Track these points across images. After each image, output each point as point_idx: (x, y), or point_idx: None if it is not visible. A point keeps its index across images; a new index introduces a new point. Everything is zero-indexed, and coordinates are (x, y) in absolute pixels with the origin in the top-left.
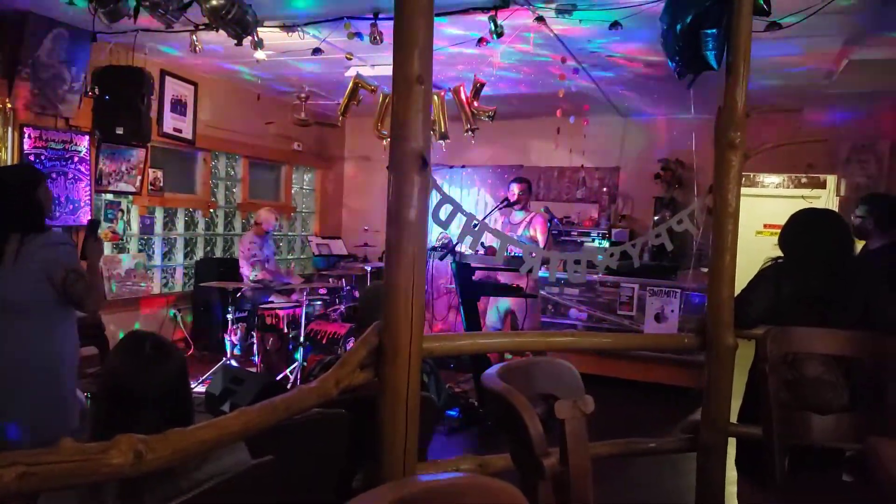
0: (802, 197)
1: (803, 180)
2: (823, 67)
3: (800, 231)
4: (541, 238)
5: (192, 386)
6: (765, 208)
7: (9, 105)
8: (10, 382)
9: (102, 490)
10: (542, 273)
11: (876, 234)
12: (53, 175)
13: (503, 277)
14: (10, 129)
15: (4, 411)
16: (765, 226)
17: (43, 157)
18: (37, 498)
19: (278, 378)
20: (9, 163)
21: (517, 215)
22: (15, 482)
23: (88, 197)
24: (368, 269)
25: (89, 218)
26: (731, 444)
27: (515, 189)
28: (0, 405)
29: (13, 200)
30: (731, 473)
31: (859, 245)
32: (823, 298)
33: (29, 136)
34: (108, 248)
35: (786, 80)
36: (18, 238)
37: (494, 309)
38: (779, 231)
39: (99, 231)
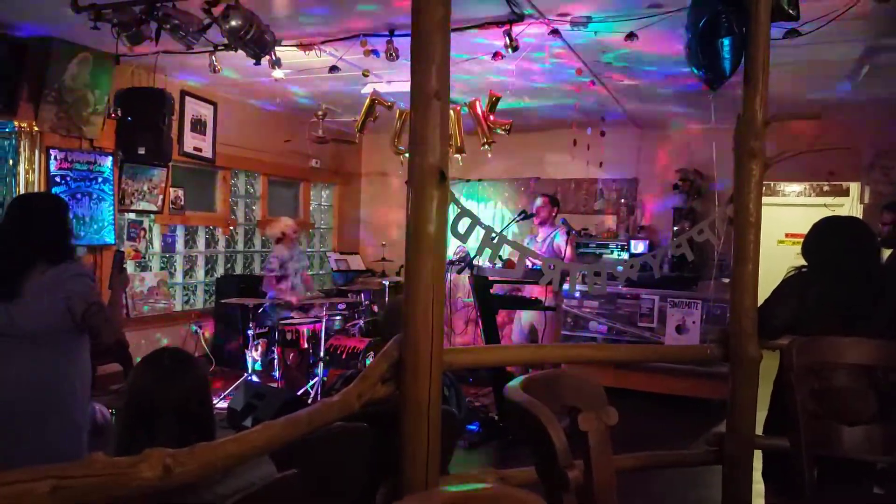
0: (825, 205)
1: (825, 188)
2: (844, 74)
3: (824, 239)
4: (566, 252)
5: (214, 402)
6: (786, 217)
7: (35, 128)
8: (25, 406)
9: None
10: (566, 287)
11: None
12: (78, 195)
13: (525, 290)
14: (36, 151)
15: (20, 436)
16: (787, 235)
17: (68, 178)
18: None
19: (299, 393)
20: (37, 184)
21: (542, 231)
22: (48, 496)
23: (112, 216)
24: (386, 283)
25: (115, 249)
26: (757, 456)
27: (538, 203)
28: (15, 430)
29: (45, 227)
30: (758, 486)
31: (886, 253)
32: (849, 307)
33: (55, 158)
34: (131, 266)
35: (806, 87)
36: (44, 267)
37: (517, 322)
38: (801, 240)
39: (123, 262)
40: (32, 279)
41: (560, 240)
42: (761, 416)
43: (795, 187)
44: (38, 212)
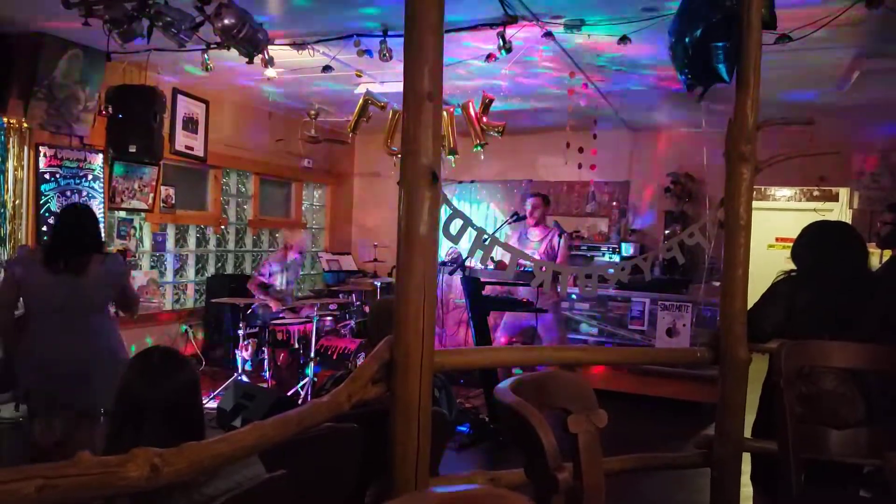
0: (815, 210)
1: (815, 193)
2: (835, 79)
3: (813, 244)
4: (560, 253)
5: (204, 401)
6: (777, 221)
7: (25, 125)
8: (91, 356)
9: (117, 502)
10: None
11: None
12: (68, 193)
13: (518, 292)
14: (25, 148)
15: (87, 377)
16: (777, 239)
17: (58, 176)
18: None
19: (289, 393)
20: (25, 181)
21: (533, 232)
22: (35, 495)
23: (102, 214)
24: (378, 284)
25: (116, 250)
26: (746, 459)
27: (530, 203)
28: (84, 373)
29: (94, 228)
30: (747, 489)
31: (886, 254)
32: (838, 311)
33: (44, 155)
34: None
35: (797, 92)
36: (100, 258)
37: (503, 326)
38: (791, 244)
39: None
40: (94, 264)
41: (556, 242)
42: (750, 419)
43: (786, 192)
44: (86, 216)
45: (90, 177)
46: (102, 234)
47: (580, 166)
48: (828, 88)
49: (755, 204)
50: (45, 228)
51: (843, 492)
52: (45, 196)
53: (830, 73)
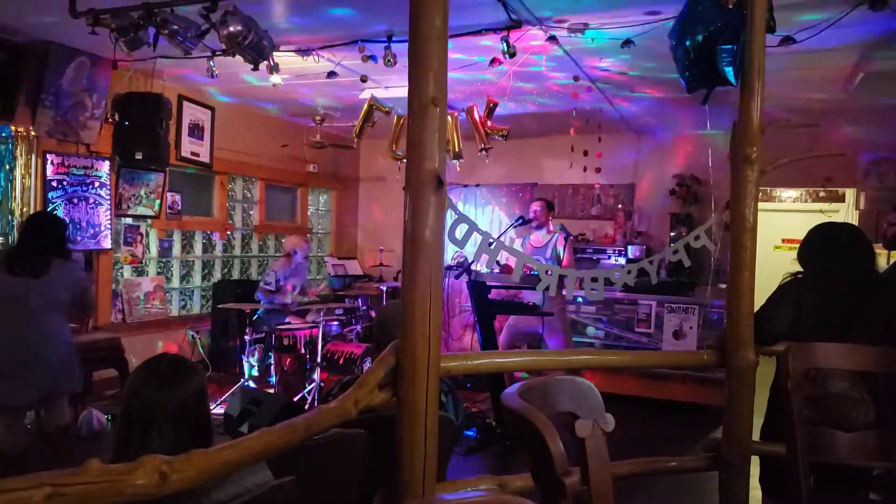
0: (821, 211)
1: (821, 194)
2: (840, 81)
3: (819, 245)
4: (565, 257)
5: (211, 407)
6: (783, 223)
7: (32, 133)
8: (47, 350)
9: None
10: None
11: None
12: (75, 200)
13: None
14: (33, 156)
15: (37, 368)
16: (783, 240)
17: (65, 183)
18: None
19: (296, 399)
20: (33, 189)
21: (539, 236)
22: (43, 502)
23: (109, 221)
24: (384, 288)
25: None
26: (754, 462)
27: (534, 207)
28: (36, 364)
29: (55, 234)
30: (755, 492)
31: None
32: (845, 313)
33: (52, 163)
34: (127, 272)
35: (802, 94)
36: (60, 261)
37: (507, 329)
38: (797, 246)
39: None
40: (54, 267)
41: (561, 245)
42: (758, 422)
43: (791, 193)
44: (49, 223)
45: (97, 184)
46: (67, 240)
47: (585, 169)
48: (833, 90)
49: (761, 205)
50: None
51: (852, 495)
52: (53, 203)
53: (835, 74)
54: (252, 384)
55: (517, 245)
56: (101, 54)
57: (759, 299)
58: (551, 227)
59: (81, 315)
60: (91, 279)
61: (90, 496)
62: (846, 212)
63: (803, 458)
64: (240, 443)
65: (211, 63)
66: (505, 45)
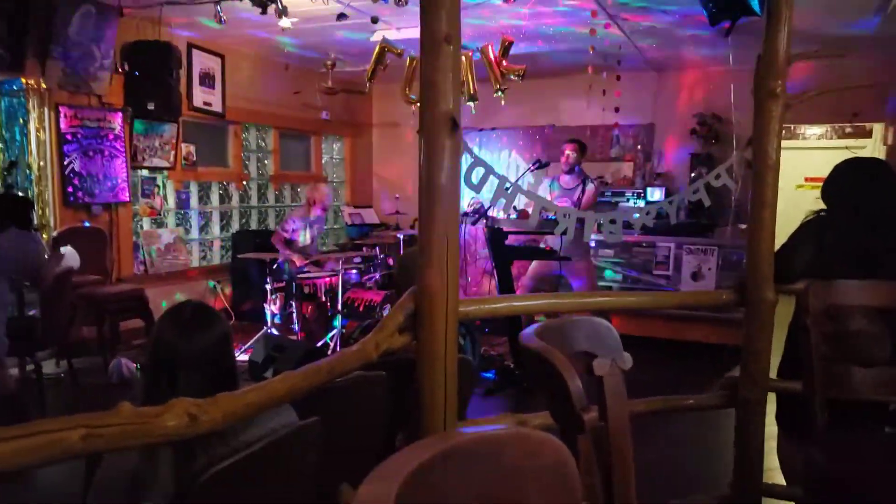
0: (846, 147)
1: (847, 130)
2: (870, 10)
3: (844, 182)
4: (584, 199)
5: (236, 354)
6: (806, 161)
7: (43, 85)
8: None
9: (159, 451)
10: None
11: None
12: (90, 153)
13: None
14: (46, 109)
15: None
16: (806, 179)
17: (79, 136)
18: (101, 457)
19: (319, 345)
20: (48, 143)
21: (569, 178)
22: (80, 443)
23: (125, 173)
24: (401, 236)
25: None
26: (770, 399)
27: (567, 150)
28: None
29: (22, 208)
30: (771, 428)
31: None
32: (868, 251)
33: (64, 116)
34: (147, 223)
35: (829, 24)
36: (15, 230)
37: (528, 276)
38: (821, 185)
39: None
40: (10, 234)
41: (589, 188)
42: (774, 361)
43: (816, 130)
44: (11, 197)
45: (111, 136)
46: (29, 215)
47: (604, 109)
48: (864, 18)
49: (784, 143)
50: (70, 189)
51: (867, 429)
52: (69, 157)
53: (865, 2)
54: (275, 332)
55: (546, 185)
56: (106, 1)
57: (780, 240)
58: (582, 170)
59: (32, 283)
60: (52, 257)
61: (124, 436)
62: (873, 147)
63: (820, 394)
64: (265, 385)
65: (218, 8)
66: None
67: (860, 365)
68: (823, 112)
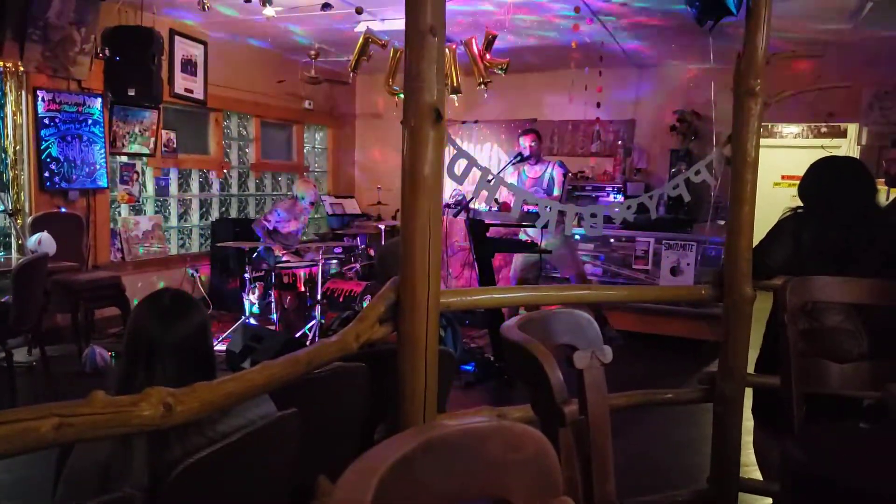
0: (822, 147)
1: (823, 129)
2: (846, 12)
3: (820, 180)
4: (557, 190)
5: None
6: (783, 159)
7: (21, 68)
8: None
9: (133, 440)
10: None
11: None
12: (69, 138)
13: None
14: (23, 93)
15: None
16: (783, 177)
17: (57, 120)
18: (72, 446)
19: (297, 335)
20: (25, 127)
21: (537, 168)
22: (52, 432)
23: (104, 159)
24: (382, 227)
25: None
26: (748, 394)
27: (526, 142)
28: None
29: None
30: (748, 423)
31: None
32: (844, 248)
33: (43, 100)
34: (125, 210)
35: (807, 25)
36: None
37: (512, 268)
38: (797, 182)
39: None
40: None
41: (556, 175)
42: (752, 355)
43: (793, 129)
44: None
45: (90, 121)
46: None
47: (585, 104)
48: (839, 21)
49: (761, 141)
50: (46, 174)
51: (842, 424)
52: (46, 141)
53: (842, 4)
54: (253, 321)
55: (516, 179)
56: None
57: (758, 236)
58: (545, 160)
59: None
60: None
61: (97, 426)
62: (848, 147)
63: (797, 388)
64: (243, 375)
65: None
66: None
67: (836, 360)
68: (800, 112)
